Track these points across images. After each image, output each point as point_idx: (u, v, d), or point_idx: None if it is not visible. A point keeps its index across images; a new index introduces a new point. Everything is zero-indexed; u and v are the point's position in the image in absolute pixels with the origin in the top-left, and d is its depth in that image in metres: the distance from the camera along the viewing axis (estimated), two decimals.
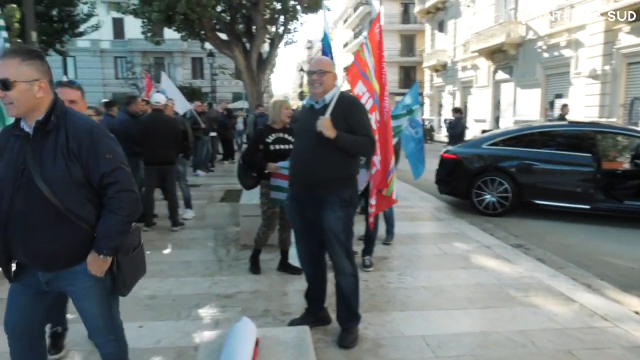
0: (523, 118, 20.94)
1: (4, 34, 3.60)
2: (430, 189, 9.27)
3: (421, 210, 7.78)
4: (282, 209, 4.67)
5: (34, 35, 7.11)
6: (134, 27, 30.02)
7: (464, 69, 28.79)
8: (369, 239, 4.92)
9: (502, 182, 7.48)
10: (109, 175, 2.00)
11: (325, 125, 2.98)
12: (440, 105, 33.54)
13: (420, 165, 6.74)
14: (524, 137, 7.85)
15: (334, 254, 3.25)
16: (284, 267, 4.79)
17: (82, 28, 19.59)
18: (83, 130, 1.99)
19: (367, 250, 4.92)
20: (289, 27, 17.99)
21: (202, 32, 16.32)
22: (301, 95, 49.65)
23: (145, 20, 15.81)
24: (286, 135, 4.59)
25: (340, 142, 3.04)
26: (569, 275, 4.67)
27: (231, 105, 21.05)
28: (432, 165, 9.49)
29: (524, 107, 22.26)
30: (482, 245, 5.70)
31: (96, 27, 20.20)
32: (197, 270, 4.81)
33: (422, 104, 7.36)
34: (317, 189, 3.17)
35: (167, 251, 5.49)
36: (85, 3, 19.33)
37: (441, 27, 32.50)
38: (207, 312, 3.81)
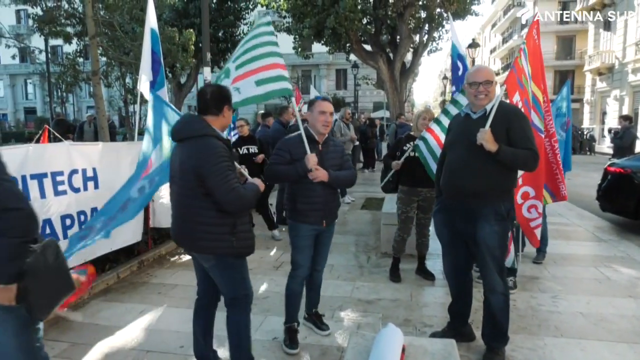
0: None
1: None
2: (589, 206, 8.38)
3: (579, 229, 7.05)
4: (419, 215, 4.78)
5: (208, 55, 8.09)
6: (285, 43, 32.27)
7: (636, 71, 25.26)
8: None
9: None
10: None
11: (486, 139, 2.88)
12: (604, 113, 29.85)
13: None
14: None
15: (485, 269, 3.11)
16: (420, 271, 4.89)
17: None
18: None
19: (510, 270, 4.58)
20: (433, 35, 17.79)
21: (348, 44, 17.01)
22: (443, 104, 48.24)
23: (297, 37, 17.07)
24: None
25: (501, 155, 2.90)
26: None
27: (372, 115, 21.42)
28: (592, 179, 8.57)
29: None
30: None
31: None
32: (340, 273, 5.02)
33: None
34: (470, 201, 3.07)
35: None
36: (246, 24, 21.44)
37: (607, 25, 29.01)
38: (349, 315, 3.96)
